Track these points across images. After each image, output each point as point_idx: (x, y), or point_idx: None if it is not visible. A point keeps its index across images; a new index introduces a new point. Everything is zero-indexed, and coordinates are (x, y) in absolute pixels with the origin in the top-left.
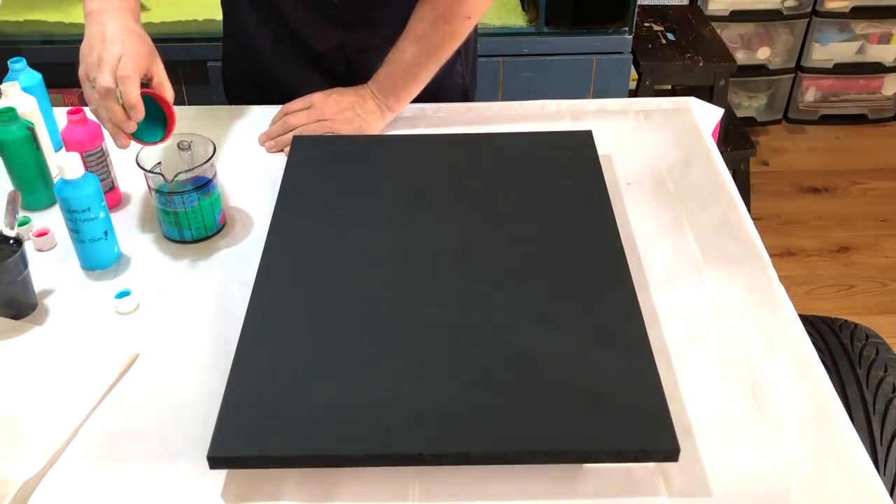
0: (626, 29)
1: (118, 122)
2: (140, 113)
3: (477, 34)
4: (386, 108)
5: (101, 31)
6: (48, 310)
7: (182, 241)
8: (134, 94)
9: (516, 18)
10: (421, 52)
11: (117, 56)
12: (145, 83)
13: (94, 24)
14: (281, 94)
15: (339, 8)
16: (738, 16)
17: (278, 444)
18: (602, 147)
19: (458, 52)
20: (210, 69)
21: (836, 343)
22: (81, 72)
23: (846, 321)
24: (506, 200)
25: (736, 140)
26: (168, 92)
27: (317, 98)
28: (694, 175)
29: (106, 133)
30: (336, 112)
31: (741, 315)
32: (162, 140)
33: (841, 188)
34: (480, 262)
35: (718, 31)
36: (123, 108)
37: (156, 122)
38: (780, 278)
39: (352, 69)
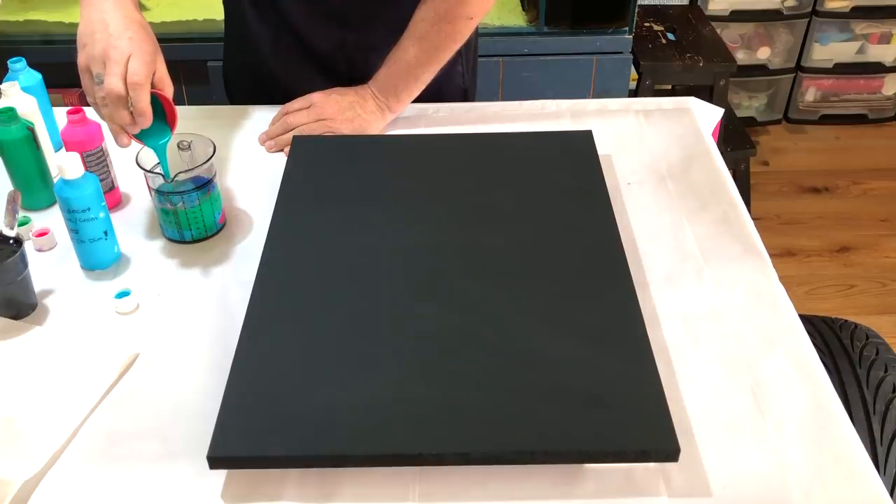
0: (626, 29)
1: (124, 124)
2: (148, 120)
3: (477, 35)
4: (386, 109)
5: (103, 18)
6: (48, 310)
7: (182, 241)
8: (145, 101)
9: (516, 18)
10: (422, 52)
11: (125, 56)
12: None
13: (93, 8)
14: (281, 94)
15: (340, 7)
16: (738, 16)
17: (278, 444)
18: (602, 147)
19: (458, 53)
20: (210, 69)
21: (836, 343)
22: (81, 61)
23: (846, 321)
24: (506, 200)
25: (736, 140)
26: (168, 87)
27: (317, 97)
28: (694, 175)
29: (106, 132)
30: (336, 112)
31: (741, 315)
32: (165, 142)
33: (841, 188)
34: (480, 262)
35: (718, 31)
36: (130, 112)
37: (157, 119)
38: (780, 278)
39: (352, 69)
